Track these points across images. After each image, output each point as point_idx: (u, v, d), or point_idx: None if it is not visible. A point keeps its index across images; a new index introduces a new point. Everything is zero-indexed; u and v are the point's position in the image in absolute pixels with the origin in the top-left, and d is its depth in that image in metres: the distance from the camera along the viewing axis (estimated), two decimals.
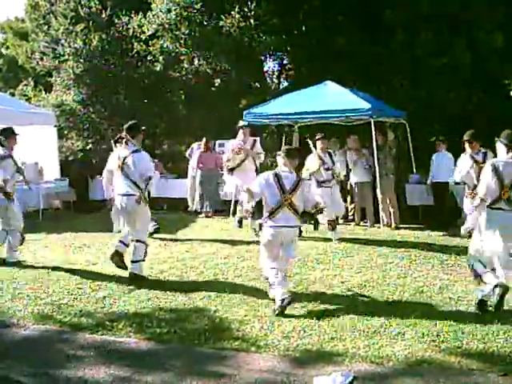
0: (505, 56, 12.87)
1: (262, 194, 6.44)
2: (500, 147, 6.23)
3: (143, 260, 7.54)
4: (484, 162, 7.54)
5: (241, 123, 11.07)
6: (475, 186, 6.92)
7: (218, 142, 14.15)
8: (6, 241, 8.38)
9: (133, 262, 7.48)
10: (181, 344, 5.27)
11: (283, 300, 6.00)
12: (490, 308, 5.95)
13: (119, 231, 7.92)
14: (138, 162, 7.41)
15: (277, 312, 5.96)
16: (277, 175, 6.40)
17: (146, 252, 7.53)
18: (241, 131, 10.75)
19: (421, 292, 6.72)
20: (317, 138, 10.07)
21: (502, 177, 5.98)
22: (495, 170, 6.00)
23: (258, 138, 11.08)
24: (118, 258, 7.57)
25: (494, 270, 6.08)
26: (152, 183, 7.51)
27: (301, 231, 7.25)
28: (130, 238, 7.61)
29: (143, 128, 8.08)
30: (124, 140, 7.61)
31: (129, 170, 7.41)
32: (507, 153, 6.11)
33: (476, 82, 12.95)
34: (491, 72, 12.90)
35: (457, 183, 9.13)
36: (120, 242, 7.65)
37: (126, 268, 7.51)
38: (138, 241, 7.53)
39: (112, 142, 7.97)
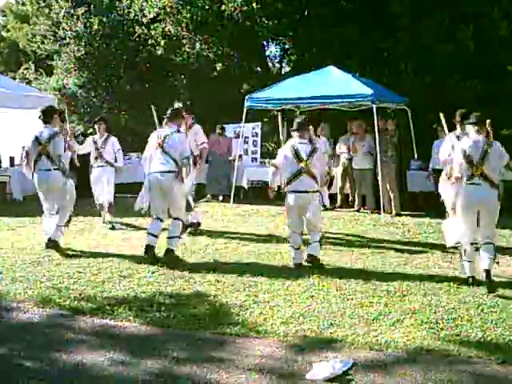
0: (509, 45, 12.78)
1: (282, 164, 7.36)
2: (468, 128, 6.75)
3: (179, 237, 7.77)
4: None
5: None
6: None
7: (218, 126, 14.14)
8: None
9: (168, 237, 7.68)
10: (180, 329, 5.27)
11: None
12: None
13: (141, 209, 8.00)
14: (179, 142, 7.75)
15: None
16: (293, 146, 7.28)
17: (182, 230, 7.91)
18: None
19: (420, 279, 6.72)
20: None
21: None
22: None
23: None
24: (152, 252, 7.58)
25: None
26: (189, 163, 7.81)
27: (324, 205, 7.98)
28: (161, 224, 7.74)
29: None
30: (165, 121, 8.03)
31: (170, 148, 7.67)
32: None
33: (480, 70, 12.86)
34: (495, 60, 12.81)
35: None
36: (150, 234, 7.67)
37: (156, 262, 7.43)
38: (175, 218, 7.77)
39: (157, 121, 8.35)
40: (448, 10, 12.96)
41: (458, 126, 7.64)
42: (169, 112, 7.98)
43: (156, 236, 7.63)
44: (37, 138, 8.13)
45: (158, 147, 7.73)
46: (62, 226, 8.25)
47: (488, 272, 6.36)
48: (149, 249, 7.54)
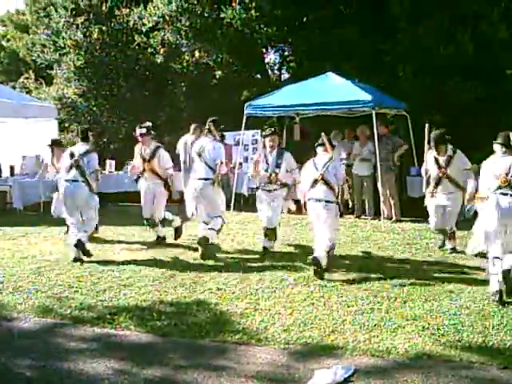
0: (508, 47, 12.79)
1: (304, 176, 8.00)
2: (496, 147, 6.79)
3: (217, 230, 8.51)
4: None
5: None
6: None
7: (218, 134, 14.12)
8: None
9: (209, 229, 8.41)
10: (181, 337, 5.26)
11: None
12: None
13: (192, 215, 8.96)
14: (215, 150, 8.57)
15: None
16: (313, 160, 7.80)
17: (221, 225, 8.68)
18: None
19: (421, 285, 6.71)
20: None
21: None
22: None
23: None
24: (205, 242, 8.23)
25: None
26: (222, 168, 8.63)
27: (341, 213, 8.16)
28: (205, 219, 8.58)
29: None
30: (206, 131, 8.95)
31: (207, 157, 8.52)
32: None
33: (479, 73, 12.87)
34: (495, 62, 12.83)
35: None
36: (208, 228, 8.41)
37: (206, 257, 8.13)
38: (215, 216, 8.54)
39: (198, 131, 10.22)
40: (447, 12, 12.98)
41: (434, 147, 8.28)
42: (210, 122, 8.91)
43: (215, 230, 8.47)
44: (72, 153, 8.62)
45: (197, 157, 8.67)
46: (87, 232, 8.40)
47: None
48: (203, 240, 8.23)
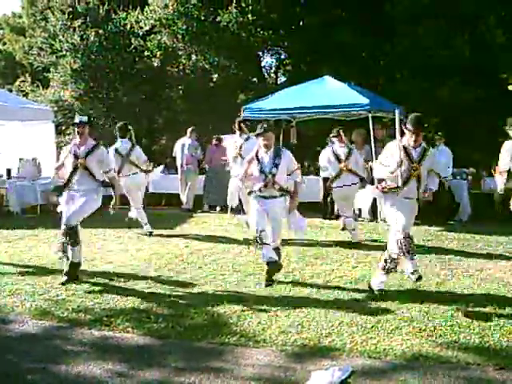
0: (504, 51, 12.85)
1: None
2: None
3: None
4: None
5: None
6: None
7: (214, 137, 14.18)
8: None
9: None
10: (178, 339, 5.26)
11: None
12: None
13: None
14: (250, 148, 8.41)
15: None
16: (333, 152, 9.44)
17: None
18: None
19: (417, 287, 6.73)
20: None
21: None
22: None
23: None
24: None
25: None
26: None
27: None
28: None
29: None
30: (240, 131, 10.01)
31: (244, 154, 9.06)
32: None
33: (475, 76, 12.93)
34: (490, 66, 12.89)
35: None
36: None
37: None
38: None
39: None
40: (445, 15, 13.03)
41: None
42: (240, 121, 10.21)
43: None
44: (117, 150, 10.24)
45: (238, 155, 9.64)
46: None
47: None
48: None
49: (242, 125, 10.15)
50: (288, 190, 7.18)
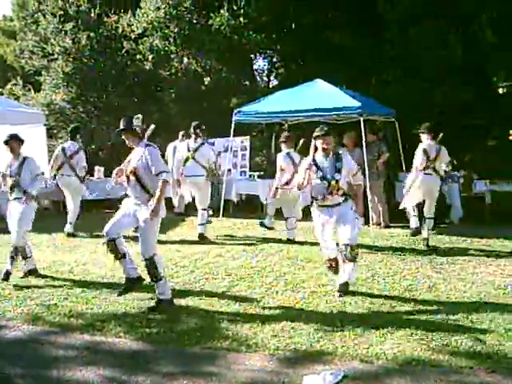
0: (496, 53, 12.91)
1: None
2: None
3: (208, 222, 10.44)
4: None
5: None
6: None
7: (208, 141, 14.17)
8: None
9: (200, 224, 10.23)
10: (171, 344, 5.26)
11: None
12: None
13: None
14: (206, 151, 10.40)
15: None
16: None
17: (208, 216, 10.53)
18: None
19: (410, 290, 6.76)
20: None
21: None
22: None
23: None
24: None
25: None
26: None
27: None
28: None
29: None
30: (194, 135, 10.42)
31: (199, 157, 10.22)
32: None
33: (466, 79, 12.98)
34: (482, 68, 12.95)
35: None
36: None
37: None
38: (202, 209, 10.31)
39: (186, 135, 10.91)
40: (439, 16, 13.06)
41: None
42: (196, 127, 10.44)
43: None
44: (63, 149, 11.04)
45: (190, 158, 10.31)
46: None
47: None
48: None
49: (197, 130, 10.39)
50: (349, 193, 6.79)
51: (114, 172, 6.51)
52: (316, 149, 6.76)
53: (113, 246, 6.28)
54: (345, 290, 6.61)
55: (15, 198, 7.73)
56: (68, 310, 6.16)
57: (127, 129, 6.44)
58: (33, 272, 7.75)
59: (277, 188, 9.87)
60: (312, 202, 6.79)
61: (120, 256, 6.34)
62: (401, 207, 9.91)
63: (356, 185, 6.98)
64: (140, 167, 6.20)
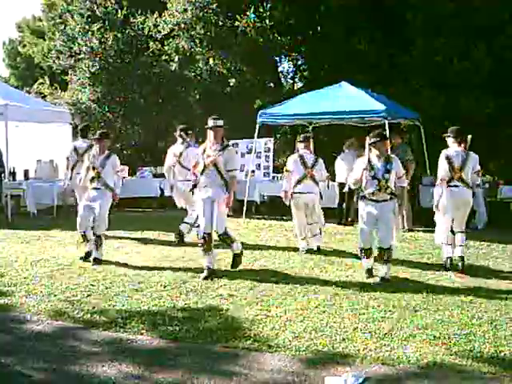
0: None
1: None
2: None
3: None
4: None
5: None
6: None
7: (231, 142, 14.21)
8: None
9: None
10: (192, 342, 5.27)
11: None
12: None
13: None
14: (191, 155, 9.19)
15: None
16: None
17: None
18: None
19: (432, 294, 6.70)
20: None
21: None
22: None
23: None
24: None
25: None
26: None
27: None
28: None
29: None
30: (181, 138, 10.01)
31: (184, 161, 9.75)
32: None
33: (494, 87, 12.85)
34: (509, 79, 12.81)
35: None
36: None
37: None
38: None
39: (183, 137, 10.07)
40: (463, 27, 12.97)
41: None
42: (182, 129, 10.04)
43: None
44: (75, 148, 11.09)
45: (176, 162, 9.89)
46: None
47: None
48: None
49: (182, 133, 10.03)
50: (396, 193, 7.53)
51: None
52: (370, 150, 7.48)
53: (210, 239, 7.61)
54: (382, 282, 7.35)
55: (94, 188, 8.46)
56: (91, 307, 6.22)
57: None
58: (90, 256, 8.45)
59: (285, 192, 9.25)
60: (362, 197, 7.56)
61: (210, 248, 7.63)
62: (436, 243, 8.51)
63: (399, 187, 7.65)
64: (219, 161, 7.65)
